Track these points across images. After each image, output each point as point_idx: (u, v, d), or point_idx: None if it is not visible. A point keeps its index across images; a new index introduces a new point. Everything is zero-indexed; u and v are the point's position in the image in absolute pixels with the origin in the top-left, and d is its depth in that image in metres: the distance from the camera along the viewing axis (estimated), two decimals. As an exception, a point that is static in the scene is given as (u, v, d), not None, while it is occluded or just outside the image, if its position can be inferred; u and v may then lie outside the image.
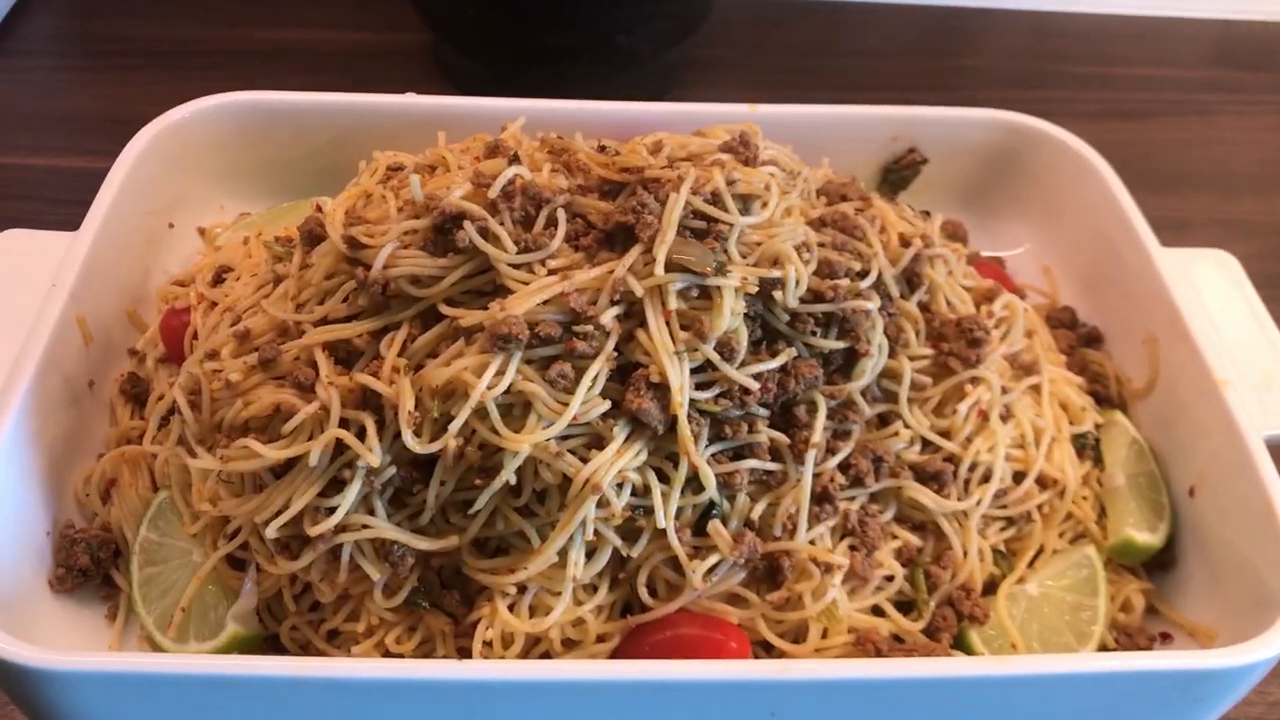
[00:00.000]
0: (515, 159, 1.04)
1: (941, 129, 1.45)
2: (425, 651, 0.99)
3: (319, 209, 1.11)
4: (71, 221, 1.21)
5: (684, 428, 0.95)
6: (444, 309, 0.98)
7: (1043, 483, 1.11)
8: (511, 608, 0.96)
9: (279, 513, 0.95)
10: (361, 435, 0.94)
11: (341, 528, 0.95)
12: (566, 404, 0.93)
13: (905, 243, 1.12)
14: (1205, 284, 1.26)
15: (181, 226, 1.39)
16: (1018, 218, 1.47)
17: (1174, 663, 0.94)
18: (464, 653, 0.98)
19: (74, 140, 1.66)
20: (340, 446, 0.94)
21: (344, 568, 0.97)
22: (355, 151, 1.38)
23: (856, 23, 2.05)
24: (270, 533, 0.95)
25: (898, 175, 1.47)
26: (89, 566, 1.06)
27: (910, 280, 1.10)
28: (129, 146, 1.29)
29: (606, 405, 0.94)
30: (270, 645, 1.04)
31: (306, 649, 1.02)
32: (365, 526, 0.95)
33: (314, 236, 1.07)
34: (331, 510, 0.94)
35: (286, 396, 0.96)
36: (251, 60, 1.83)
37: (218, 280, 1.22)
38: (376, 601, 0.98)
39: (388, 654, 0.98)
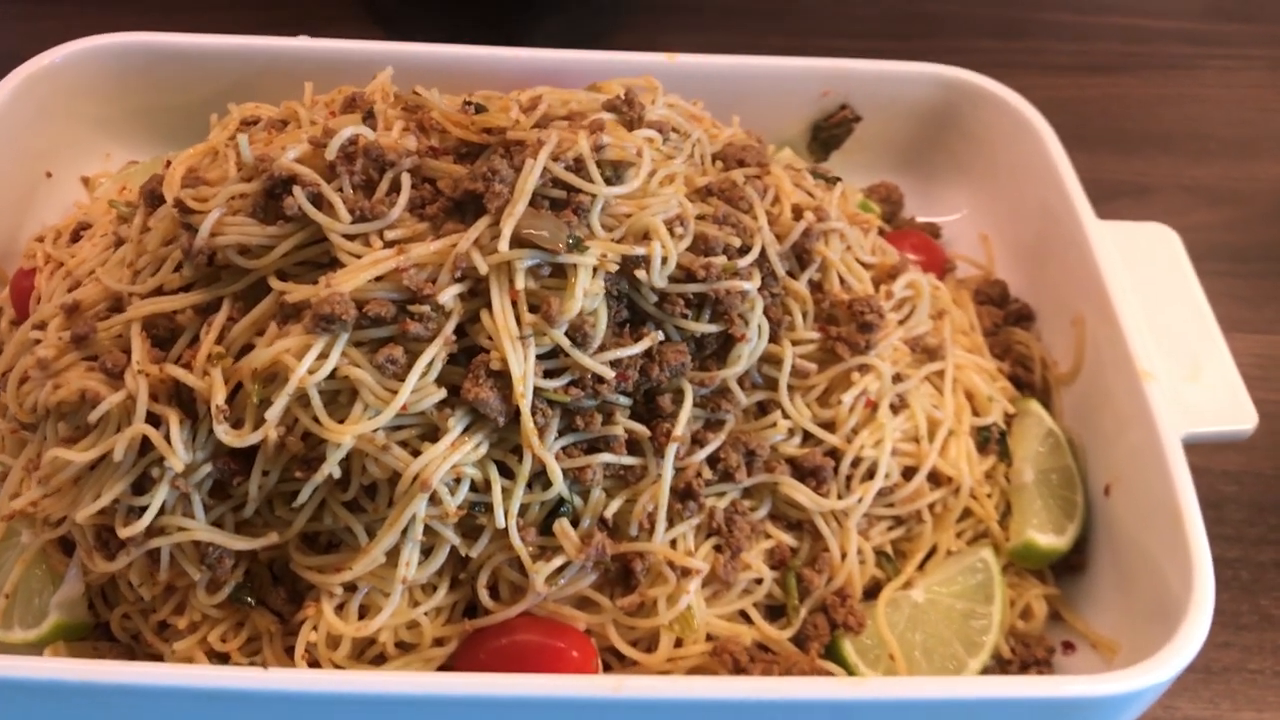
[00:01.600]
0: (370, 115, 0.96)
1: (875, 84, 1.34)
2: (252, 650, 0.92)
3: (168, 165, 1.03)
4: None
5: (527, 420, 0.87)
6: (273, 282, 0.90)
7: (936, 480, 1.03)
8: (341, 607, 0.90)
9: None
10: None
11: (158, 529, 0.88)
12: (396, 391, 0.85)
13: (799, 215, 1.03)
14: (1142, 261, 1.15)
15: (62, 175, 1.31)
16: (957, 181, 1.37)
17: (1055, 689, 0.86)
18: (291, 651, 0.91)
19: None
20: (148, 445, 0.87)
21: (164, 568, 0.90)
22: (249, 97, 1.28)
23: (816, -41, 1.92)
24: (80, 519, 0.89)
25: (828, 134, 1.37)
26: (-84, 544, 1.00)
27: (800, 257, 1.01)
28: (-5, 89, 1.21)
29: (441, 394, 0.87)
30: (101, 633, 0.98)
31: (137, 639, 0.96)
32: (181, 529, 0.88)
33: (155, 197, 0.98)
34: (143, 510, 0.87)
35: (93, 384, 0.89)
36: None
37: (75, 237, 1.15)
38: (200, 598, 0.91)
39: (212, 651, 0.92)
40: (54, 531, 0.95)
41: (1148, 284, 1.13)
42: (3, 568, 0.99)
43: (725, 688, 0.82)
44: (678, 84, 1.20)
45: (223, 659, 0.92)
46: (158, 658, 0.95)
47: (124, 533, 0.89)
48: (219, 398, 0.86)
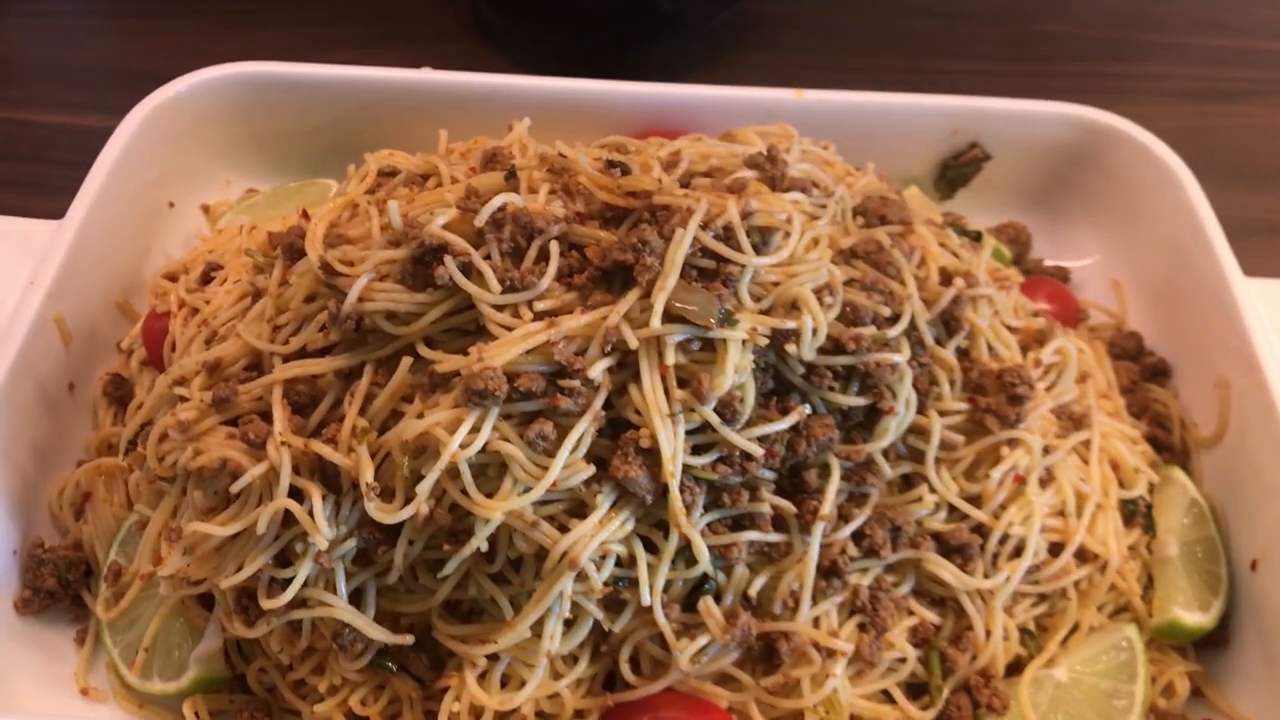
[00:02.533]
0: (513, 174, 0.94)
1: (1008, 124, 1.31)
2: (391, 713, 0.93)
3: (305, 216, 1.02)
4: (77, 187, 1.15)
5: (675, 499, 0.86)
6: (423, 351, 0.89)
7: (1083, 556, 1.00)
8: (483, 676, 0.89)
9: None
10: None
11: (299, 601, 0.88)
12: (546, 467, 0.84)
13: (946, 279, 1.00)
14: (1293, 321, 1.11)
15: (184, 204, 1.32)
16: (1088, 225, 1.34)
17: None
18: (431, 716, 0.91)
19: (89, 95, 1.58)
20: (291, 515, 0.87)
21: (305, 635, 0.90)
22: (367, 126, 1.31)
23: (931, -22, 1.88)
24: (224, 586, 0.89)
25: (957, 172, 1.34)
26: (57, 589, 1.02)
27: (948, 324, 0.99)
28: (122, 126, 1.22)
29: (590, 471, 0.85)
30: (238, 685, 0.98)
31: (273, 693, 0.97)
32: (322, 603, 0.88)
33: (294, 251, 0.98)
34: (285, 582, 0.87)
35: (234, 454, 0.89)
36: (276, 7, 1.72)
37: (206, 278, 1.15)
38: (341, 663, 0.91)
39: (351, 714, 0.92)
40: (194, 590, 0.96)
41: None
42: (140, 619, 1.00)
43: (880, 785, 0.81)
44: (806, 122, 1.19)
45: (361, 722, 0.92)
46: (295, 713, 0.95)
47: (267, 605, 0.89)
48: (368, 475, 0.86)
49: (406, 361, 0.89)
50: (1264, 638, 1.01)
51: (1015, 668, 0.98)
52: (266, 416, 0.92)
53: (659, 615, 0.87)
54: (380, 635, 0.90)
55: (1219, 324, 1.13)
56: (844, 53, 1.73)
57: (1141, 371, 1.20)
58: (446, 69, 1.31)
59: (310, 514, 0.87)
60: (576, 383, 0.85)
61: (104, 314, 1.18)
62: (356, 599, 0.91)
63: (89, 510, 1.06)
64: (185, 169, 1.30)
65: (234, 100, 1.29)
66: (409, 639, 0.90)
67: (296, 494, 0.89)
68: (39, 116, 1.56)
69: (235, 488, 0.89)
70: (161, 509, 0.99)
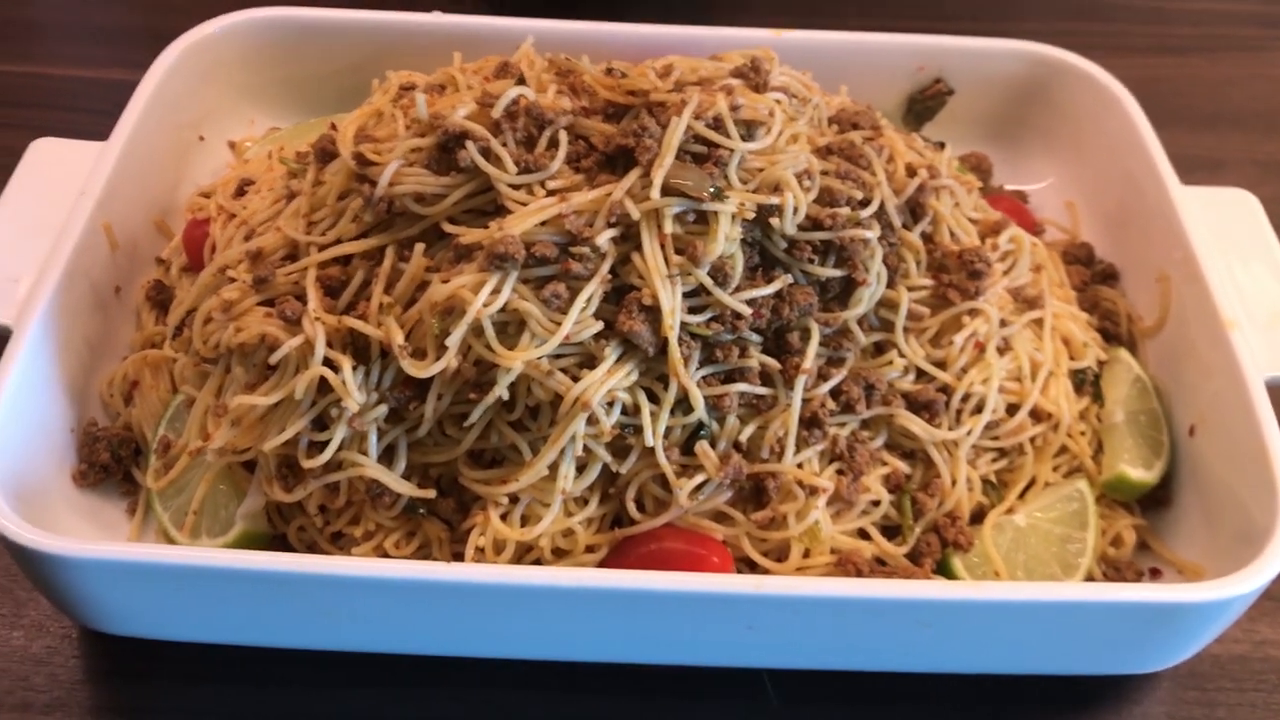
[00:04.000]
0: (521, 80, 1.06)
1: (968, 60, 1.43)
2: (422, 555, 1.03)
3: (334, 127, 1.13)
4: (108, 132, 1.24)
5: (674, 350, 0.97)
6: (446, 227, 1.00)
7: (1037, 416, 1.11)
8: (504, 517, 1.00)
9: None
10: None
11: (335, 464, 0.99)
12: (559, 323, 0.95)
13: (912, 173, 1.12)
14: (1224, 224, 1.24)
15: (212, 139, 1.42)
16: (1044, 152, 1.46)
17: (1150, 594, 0.95)
18: (458, 558, 1.01)
19: (113, 52, 1.69)
20: (327, 385, 0.97)
21: (342, 494, 1.01)
22: (383, 69, 1.38)
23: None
24: (265, 449, 1.00)
25: (923, 106, 1.46)
26: (110, 463, 1.12)
27: (914, 210, 1.11)
28: (158, 61, 1.32)
29: (599, 326, 0.97)
30: (278, 543, 1.08)
31: (312, 548, 1.07)
32: (354, 464, 0.99)
33: (326, 154, 1.09)
34: (323, 445, 0.98)
35: (272, 329, 1.00)
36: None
37: (240, 192, 1.26)
38: (375, 511, 1.02)
39: (386, 557, 1.02)
40: (240, 458, 1.06)
41: (1229, 244, 1.22)
42: (189, 485, 1.10)
43: (862, 587, 0.92)
44: (784, 58, 1.28)
45: (393, 566, 1.03)
46: (333, 562, 1.06)
47: (307, 464, 1.00)
48: (399, 338, 0.97)
49: (419, 248, 1.00)
50: (1201, 494, 1.12)
51: (978, 517, 1.09)
52: (302, 299, 1.03)
53: (660, 456, 0.98)
54: (407, 489, 1.00)
55: (1159, 228, 1.25)
56: (814, 14, 1.85)
57: (1092, 276, 1.32)
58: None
59: (343, 381, 0.98)
60: (586, 249, 0.97)
61: (144, 230, 1.28)
62: (389, 454, 1.02)
63: (137, 396, 1.16)
64: (214, 105, 1.41)
65: (260, 42, 1.40)
66: (431, 493, 1.01)
67: (329, 366, 0.99)
68: (67, 70, 1.67)
69: (274, 358, 1.00)
70: (207, 387, 1.10)
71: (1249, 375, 1.07)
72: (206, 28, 1.36)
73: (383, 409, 0.99)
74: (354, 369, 0.98)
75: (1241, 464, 1.05)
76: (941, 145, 1.25)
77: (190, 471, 1.10)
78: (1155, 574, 1.11)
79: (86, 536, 1.07)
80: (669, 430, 1.00)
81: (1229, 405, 1.09)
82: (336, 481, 1.02)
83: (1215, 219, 1.24)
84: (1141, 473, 1.12)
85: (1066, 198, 1.43)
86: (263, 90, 1.44)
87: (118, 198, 1.21)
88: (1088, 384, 1.16)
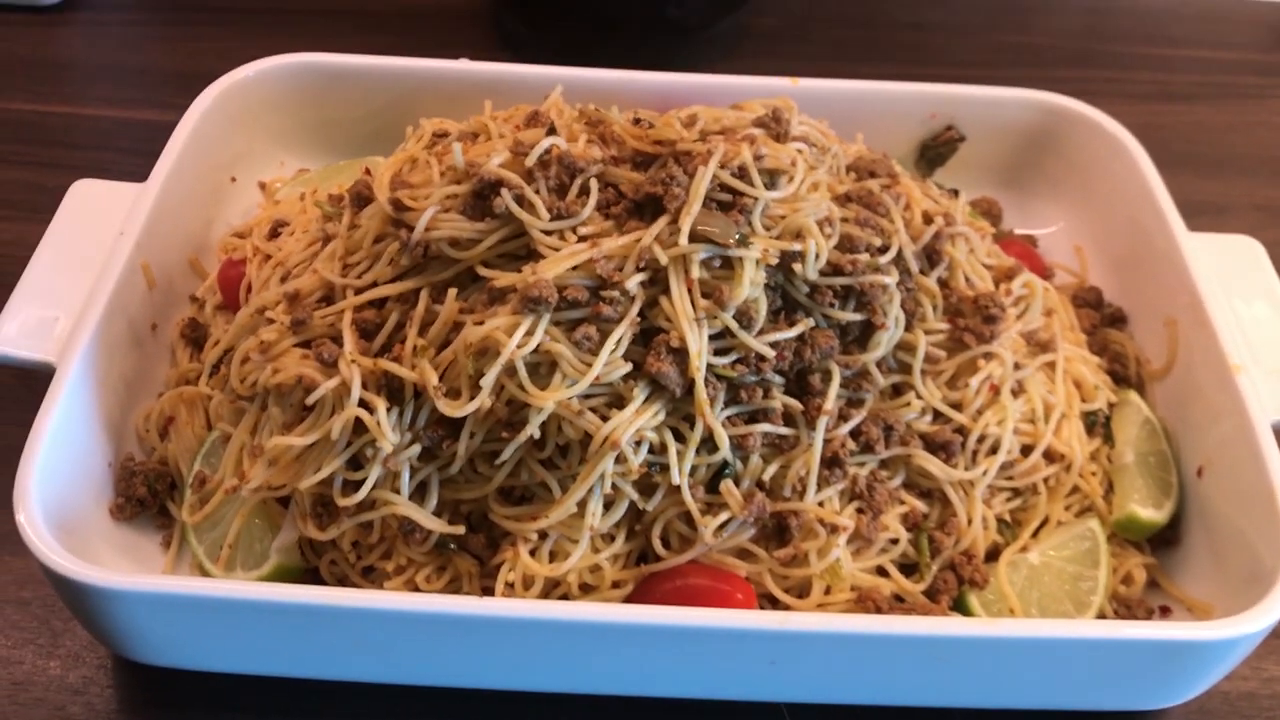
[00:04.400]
0: (552, 129, 1.10)
1: (979, 107, 1.47)
2: (452, 590, 1.06)
3: (368, 172, 1.17)
4: (142, 172, 1.28)
5: (700, 391, 1.00)
6: (481, 270, 1.04)
7: (1050, 457, 1.15)
8: (533, 553, 1.03)
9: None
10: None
11: (368, 504, 1.03)
12: (590, 365, 0.99)
13: (929, 220, 1.16)
14: (1229, 269, 1.27)
15: (243, 181, 1.46)
16: (1052, 197, 1.50)
17: (1162, 632, 0.98)
18: (488, 592, 1.04)
19: (148, 93, 1.73)
20: (362, 425, 1.01)
21: (375, 532, 1.04)
22: (410, 114, 1.44)
23: (912, -5, 2.06)
24: (302, 487, 1.03)
25: (935, 152, 1.50)
26: (146, 497, 1.15)
27: (930, 257, 1.14)
28: (195, 104, 1.36)
29: (628, 367, 1.00)
30: (310, 577, 1.11)
31: (344, 582, 1.10)
32: (387, 503, 1.02)
33: (362, 198, 1.13)
34: (358, 485, 1.01)
35: (309, 370, 1.03)
36: (315, 20, 1.89)
37: (274, 234, 1.29)
38: (407, 546, 1.04)
39: (416, 590, 1.05)
40: (275, 494, 1.09)
41: (1234, 289, 1.25)
42: (224, 520, 1.13)
43: (884, 624, 0.95)
44: (801, 105, 1.32)
45: (424, 599, 1.05)
46: (364, 597, 1.08)
47: (342, 503, 1.02)
48: (433, 379, 1.00)
49: (452, 292, 1.03)
50: (1209, 535, 1.15)
51: (993, 555, 1.12)
52: (338, 340, 1.07)
53: (686, 494, 1.02)
54: (438, 526, 1.03)
55: (1167, 273, 1.28)
56: (832, 60, 1.90)
57: (1101, 319, 1.35)
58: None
59: (377, 422, 1.01)
60: (615, 293, 1.00)
61: (179, 269, 1.31)
62: (421, 490, 1.05)
63: (172, 432, 1.19)
64: (246, 147, 1.45)
65: (292, 86, 1.44)
66: (459, 529, 1.04)
67: (364, 407, 1.02)
68: (102, 111, 1.71)
69: (311, 399, 1.03)
70: (243, 425, 1.13)
71: (1256, 418, 1.10)
72: (241, 72, 1.41)
73: (416, 448, 1.02)
74: (388, 410, 1.01)
75: (1248, 505, 1.08)
76: (955, 192, 1.29)
77: (225, 506, 1.13)
78: (1165, 611, 1.14)
79: (123, 568, 1.10)
80: (694, 469, 1.03)
81: (1236, 448, 1.12)
82: (368, 524, 1.05)
83: (1221, 264, 1.27)
84: (1151, 513, 1.15)
85: (1075, 242, 1.47)
86: (293, 133, 1.49)
87: (155, 237, 1.25)
88: (1099, 425, 1.19)
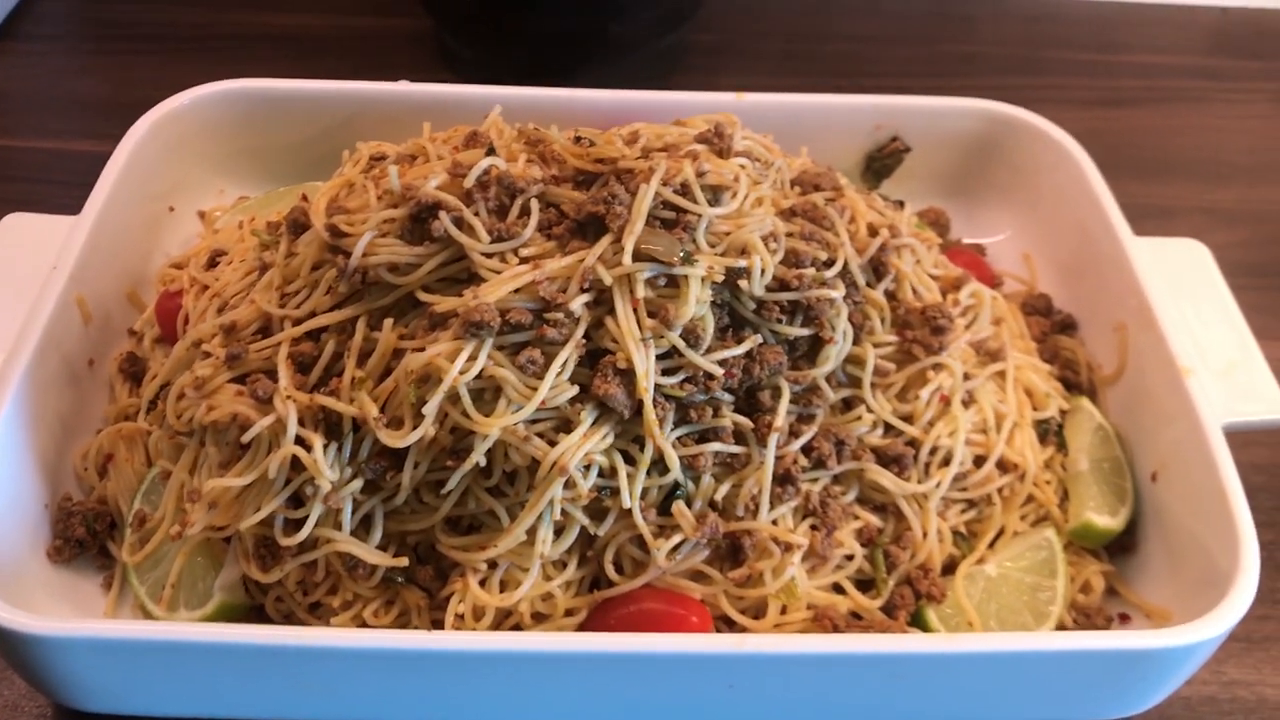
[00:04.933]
0: (491, 149, 1.08)
1: (924, 118, 1.47)
2: (401, 623, 1.03)
3: (305, 198, 1.15)
4: (77, 204, 1.25)
5: (649, 412, 0.98)
6: (421, 295, 1.02)
7: (1004, 466, 1.14)
8: (483, 583, 1.01)
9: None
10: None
11: (310, 543, 1.00)
12: (535, 388, 0.97)
13: (874, 232, 1.15)
14: (1176, 273, 1.28)
15: (182, 210, 1.43)
16: (999, 205, 1.50)
17: (1121, 642, 0.97)
18: (438, 625, 1.02)
19: (81, 124, 1.70)
20: (300, 462, 0.98)
21: (320, 570, 1.02)
22: (351, 137, 1.40)
23: (854, 7, 2.06)
24: (242, 528, 1.00)
25: (881, 164, 1.49)
26: (85, 538, 1.11)
27: (877, 269, 1.13)
28: (129, 133, 1.33)
29: (574, 390, 0.98)
30: (256, 614, 1.09)
31: (290, 618, 1.07)
32: (329, 541, 1.00)
33: (299, 225, 1.11)
34: (298, 522, 0.99)
35: (243, 409, 1.00)
36: (255, 44, 1.87)
37: (211, 263, 1.27)
38: (353, 582, 1.02)
39: (364, 626, 1.03)
40: (218, 534, 1.06)
41: (1181, 293, 1.25)
42: (165, 558, 1.10)
43: (841, 644, 0.94)
44: (746, 120, 1.32)
45: (373, 634, 1.03)
46: (311, 633, 1.06)
47: (285, 542, 1.00)
48: (373, 411, 0.98)
49: (388, 323, 1.01)
50: (1166, 540, 1.14)
51: (950, 568, 1.11)
52: (273, 375, 1.04)
53: (638, 517, 1.00)
54: (380, 560, 1.01)
55: (1114, 278, 1.28)
56: (775, 74, 1.90)
57: (1051, 325, 1.35)
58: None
59: (314, 460, 0.98)
60: (560, 315, 0.98)
61: (116, 302, 1.28)
62: (366, 523, 1.02)
63: (111, 469, 1.16)
64: (184, 176, 1.42)
65: (230, 113, 1.42)
66: (403, 561, 1.01)
67: (302, 444, 0.99)
68: (36, 143, 1.68)
69: (246, 438, 1.00)
70: (182, 461, 1.10)
71: (1206, 421, 1.10)
72: (177, 100, 1.38)
73: (358, 482, 0.99)
74: (326, 446, 0.99)
75: (1203, 508, 1.08)
76: (901, 204, 1.29)
77: (167, 545, 1.10)
78: (1124, 619, 1.13)
79: (62, 613, 1.07)
80: (645, 491, 1.01)
81: (1188, 451, 1.12)
82: (312, 568, 1.03)
83: (1167, 268, 1.27)
84: (1107, 520, 1.14)
85: (1023, 250, 1.46)
86: (232, 161, 1.46)
87: (90, 271, 1.22)
88: (1051, 434, 1.19)
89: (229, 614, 1.07)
